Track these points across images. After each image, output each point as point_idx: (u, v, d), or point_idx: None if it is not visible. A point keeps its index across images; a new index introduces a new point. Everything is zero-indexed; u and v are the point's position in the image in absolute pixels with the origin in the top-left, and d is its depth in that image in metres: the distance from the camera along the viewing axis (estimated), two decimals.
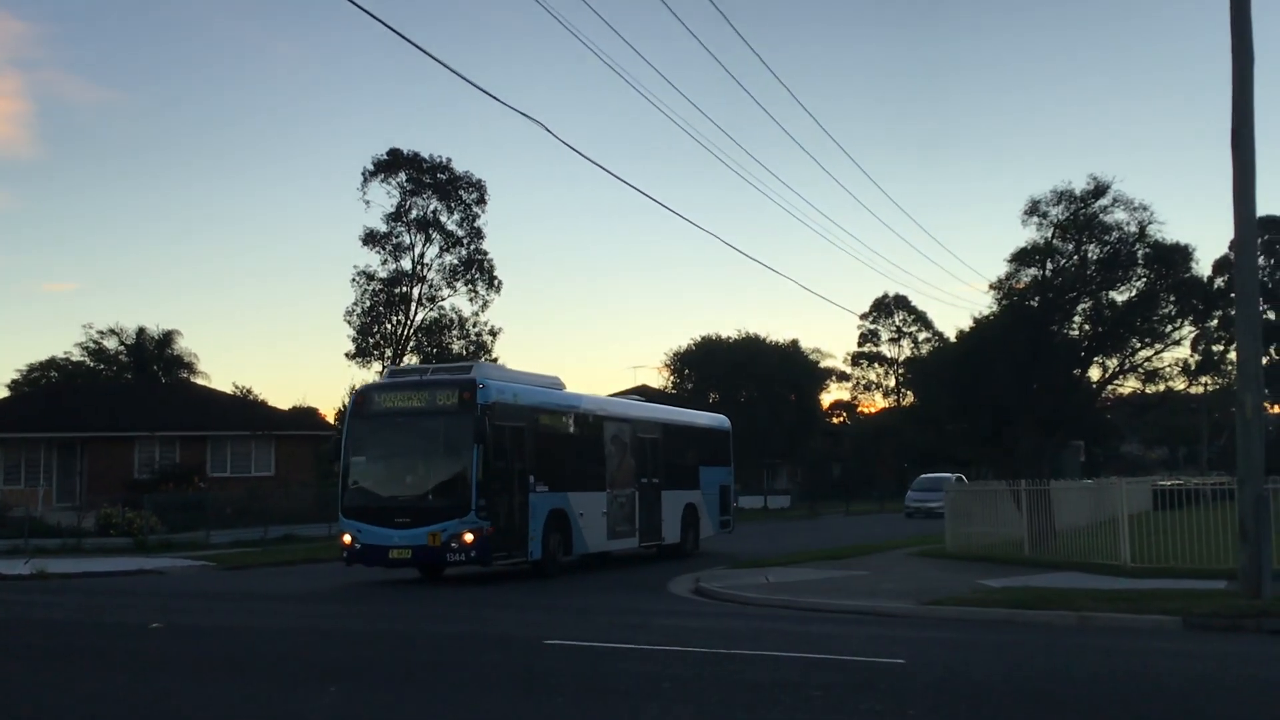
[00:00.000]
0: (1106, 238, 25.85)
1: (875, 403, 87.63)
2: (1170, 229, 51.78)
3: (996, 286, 27.23)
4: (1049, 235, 26.15)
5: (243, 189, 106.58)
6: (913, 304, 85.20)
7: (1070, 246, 26.37)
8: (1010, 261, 26.71)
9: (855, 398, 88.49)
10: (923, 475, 50.95)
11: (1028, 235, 29.03)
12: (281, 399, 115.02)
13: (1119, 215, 25.62)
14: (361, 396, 20.74)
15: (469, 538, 18.90)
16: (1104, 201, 25.56)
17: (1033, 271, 26.60)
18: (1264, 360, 20.50)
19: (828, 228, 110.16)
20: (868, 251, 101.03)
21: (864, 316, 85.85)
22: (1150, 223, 25.38)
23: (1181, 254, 25.32)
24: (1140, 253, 25.74)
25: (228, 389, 66.46)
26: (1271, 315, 70.52)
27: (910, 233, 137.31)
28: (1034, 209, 26.02)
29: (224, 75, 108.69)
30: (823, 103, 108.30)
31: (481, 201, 59.21)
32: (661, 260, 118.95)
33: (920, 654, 10.92)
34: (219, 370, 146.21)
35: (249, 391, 70.57)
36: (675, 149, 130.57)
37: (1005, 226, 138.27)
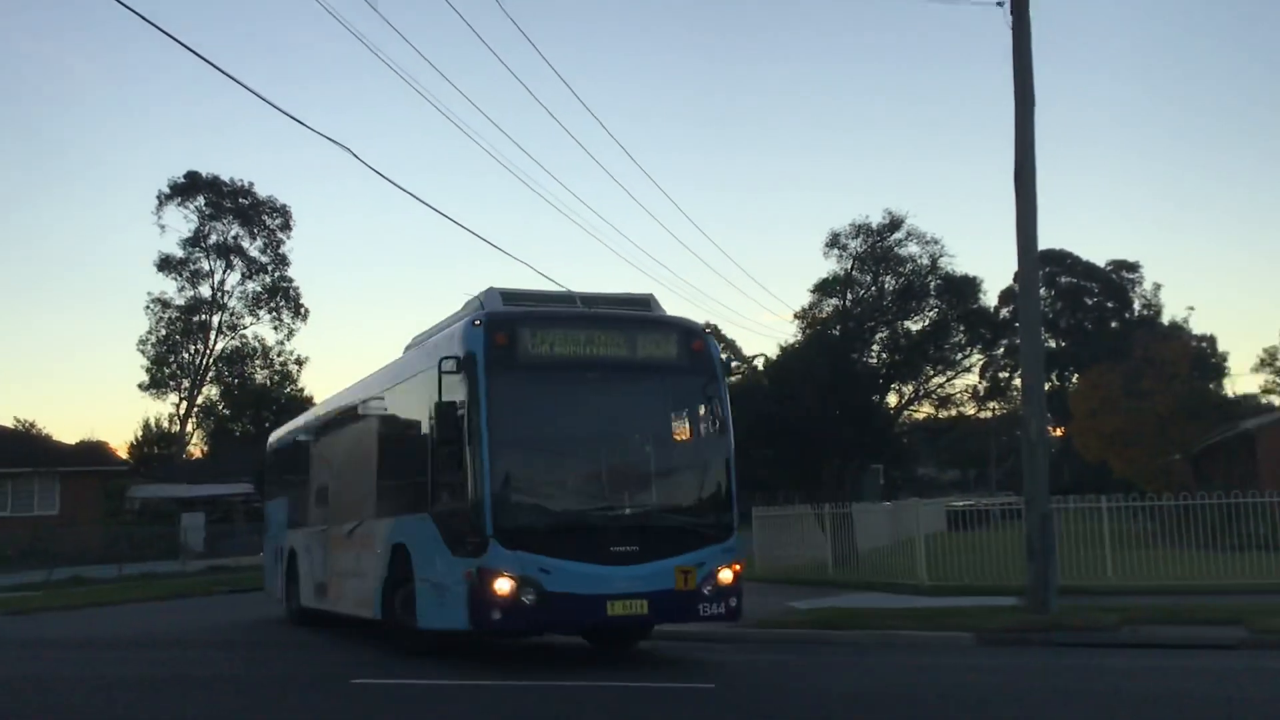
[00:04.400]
0: (901, 269, 27.06)
1: None
2: (960, 262, 54.59)
3: (801, 316, 28.16)
4: (849, 267, 27.20)
5: (26, 210, 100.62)
6: (723, 333, 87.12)
7: (868, 278, 27.51)
8: (813, 292, 27.68)
9: None
10: None
11: (829, 266, 30.11)
12: (68, 433, 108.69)
13: (913, 248, 26.89)
14: (504, 333, 11.72)
15: (727, 576, 11.87)
16: (899, 235, 26.79)
17: (834, 301, 27.64)
18: (1046, 386, 21.75)
19: (638, 256, 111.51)
20: (677, 280, 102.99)
21: None
22: (941, 255, 26.76)
23: (970, 286, 26.74)
24: (933, 284, 27.05)
25: (8, 422, 62.43)
26: (1052, 344, 74.77)
27: (719, 263, 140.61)
28: (834, 241, 27.05)
29: (13, 90, 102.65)
30: (636, 135, 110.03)
31: (287, 227, 57.77)
32: (475, 285, 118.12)
33: (730, 678, 11.05)
34: None
35: (31, 425, 66.53)
36: (488, 174, 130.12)
37: (810, 257, 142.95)
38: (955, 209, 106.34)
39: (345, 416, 16.51)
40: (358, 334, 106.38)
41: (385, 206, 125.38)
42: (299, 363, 61.91)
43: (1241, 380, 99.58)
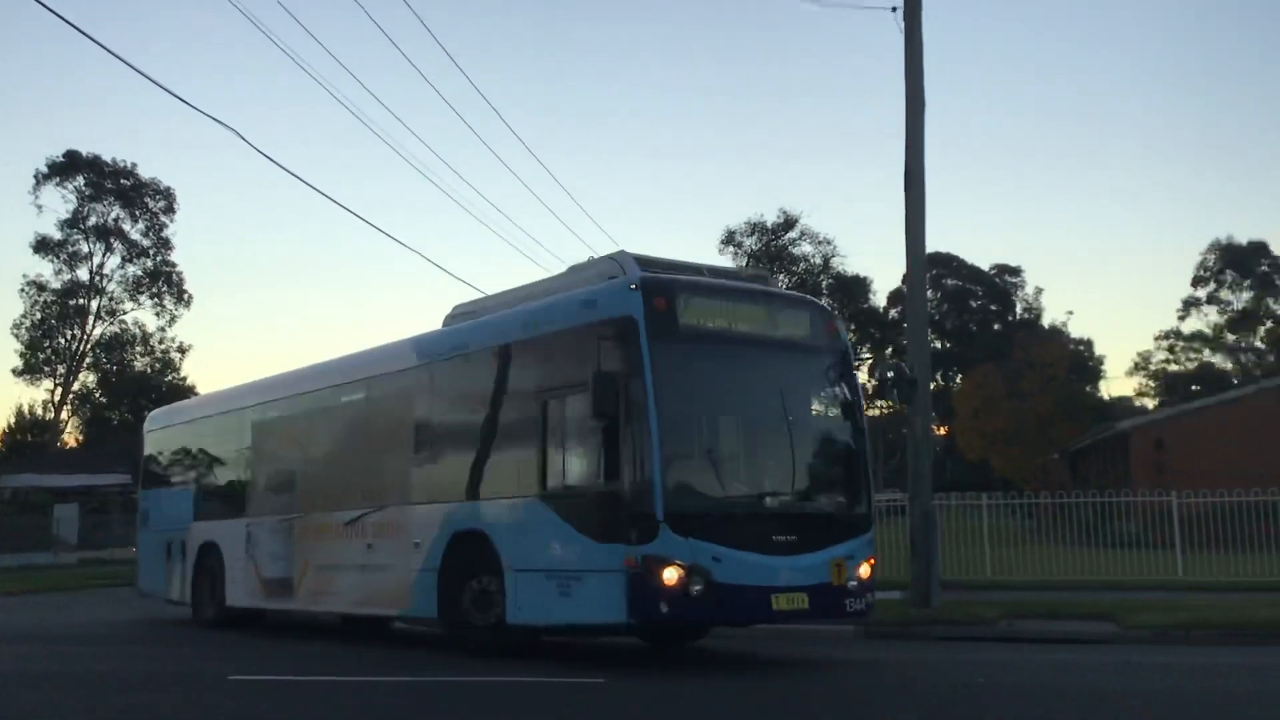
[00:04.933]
0: (795, 268, 27.45)
1: None
2: (851, 262, 55.71)
3: None
4: (743, 264, 27.48)
5: None
6: None
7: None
8: None
9: None
10: None
11: (725, 264, 30.42)
12: None
13: (806, 247, 27.33)
14: (664, 298, 10.61)
15: (867, 571, 11.36)
16: (793, 234, 27.16)
17: None
18: (931, 385, 22.23)
19: (537, 251, 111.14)
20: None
21: None
22: (834, 255, 27.22)
23: (861, 286, 27.24)
24: (824, 283, 27.48)
25: None
26: (938, 345, 76.61)
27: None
28: (730, 239, 27.32)
29: None
30: (532, 131, 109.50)
31: (170, 210, 56.21)
32: (369, 273, 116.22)
33: (622, 672, 11.04)
34: None
35: None
36: (386, 162, 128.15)
37: (707, 254, 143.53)
38: (848, 210, 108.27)
39: (346, 392, 14.80)
40: (244, 322, 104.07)
41: (275, 192, 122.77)
42: (181, 350, 60.38)
43: (1117, 383, 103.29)
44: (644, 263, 11.39)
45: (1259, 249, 64.56)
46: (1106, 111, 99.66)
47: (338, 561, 14.19)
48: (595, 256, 12.43)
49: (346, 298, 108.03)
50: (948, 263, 77.31)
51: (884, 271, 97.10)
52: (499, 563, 11.37)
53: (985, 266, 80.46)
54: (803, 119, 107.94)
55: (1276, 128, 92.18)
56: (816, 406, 11.84)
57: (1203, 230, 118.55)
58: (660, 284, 10.77)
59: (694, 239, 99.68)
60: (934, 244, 71.53)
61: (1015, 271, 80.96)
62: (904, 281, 16.25)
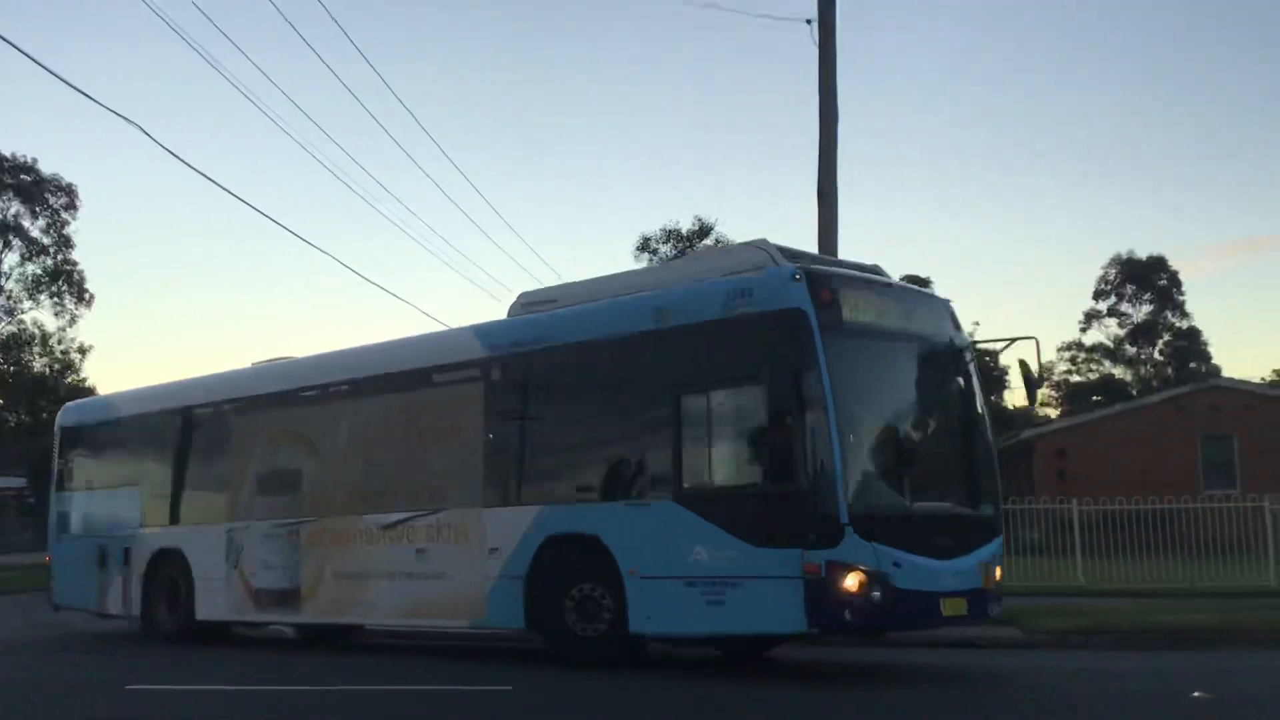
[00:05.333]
0: None
1: None
2: None
3: None
4: None
5: None
6: None
7: None
8: None
9: None
10: None
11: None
12: None
13: None
14: (829, 291, 10.18)
15: (1000, 574, 11.17)
16: (708, 241, 27.25)
17: None
18: None
19: (451, 255, 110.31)
20: (493, 281, 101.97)
21: None
22: None
23: None
24: None
25: None
26: None
27: (531, 262, 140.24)
28: (645, 245, 27.32)
29: None
30: (447, 134, 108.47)
31: (72, 207, 54.58)
32: (277, 276, 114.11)
33: (528, 680, 10.97)
34: None
35: None
36: (298, 163, 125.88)
37: (621, 260, 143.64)
38: (765, 220, 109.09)
39: (380, 386, 13.55)
40: (148, 324, 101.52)
41: (183, 192, 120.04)
42: (81, 351, 58.62)
43: (1020, 393, 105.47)
44: (789, 254, 10.84)
45: (1158, 263, 66.39)
46: (1014, 127, 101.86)
47: (369, 569, 13.08)
48: (726, 243, 11.78)
49: (258, 302, 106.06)
50: None
51: None
52: (613, 569, 10.66)
53: (897, 278, 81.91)
54: (721, 127, 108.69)
55: (1174, 145, 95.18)
56: (956, 403, 11.54)
57: (1104, 245, 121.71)
58: (823, 276, 10.31)
59: (609, 246, 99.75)
60: (848, 254, 72.38)
61: (924, 283, 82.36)
62: None
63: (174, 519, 15.94)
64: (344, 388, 14.24)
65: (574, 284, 12.99)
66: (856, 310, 10.38)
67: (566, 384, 11.90)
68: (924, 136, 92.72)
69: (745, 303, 10.25)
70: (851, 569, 9.50)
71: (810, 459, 9.65)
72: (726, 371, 10.30)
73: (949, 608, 10.21)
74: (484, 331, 12.83)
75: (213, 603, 14.91)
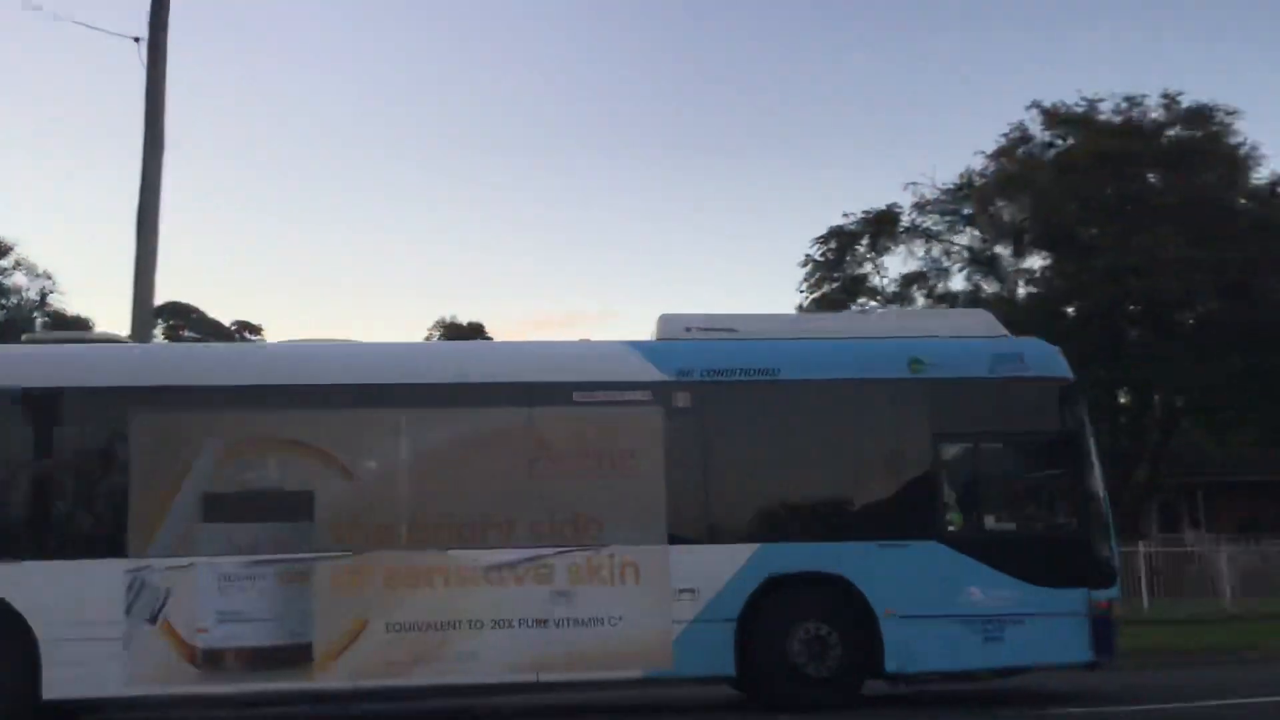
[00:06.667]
0: (4, 301, 24.93)
1: None
2: (73, 301, 51.67)
3: None
4: None
5: None
6: None
7: None
8: None
9: None
10: None
11: None
12: None
13: (20, 279, 24.92)
14: (1068, 364, 12.46)
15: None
16: (4, 263, 24.66)
17: None
18: None
19: None
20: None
21: None
22: (53, 291, 25.09)
23: (82, 327, 25.33)
24: (40, 320, 25.27)
25: None
26: None
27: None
28: None
29: None
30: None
31: None
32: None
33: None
34: None
35: None
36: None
37: None
38: (77, 245, 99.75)
39: (472, 400, 11.44)
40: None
41: None
42: None
43: None
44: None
45: (477, 329, 71.09)
46: (353, 182, 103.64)
47: (460, 617, 10.96)
48: (943, 308, 12.03)
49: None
50: (187, 313, 74.73)
51: (113, 314, 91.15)
52: (856, 609, 11.05)
53: (227, 321, 79.35)
54: (32, 138, 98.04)
55: (488, 219, 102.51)
56: None
57: (431, 310, 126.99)
58: (1061, 352, 12.18)
59: None
60: (172, 292, 69.28)
61: (257, 329, 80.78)
62: (131, 328, 15.36)
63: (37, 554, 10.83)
64: (402, 394, 11.53)
65: (749, 316, 12.54)
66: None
67: (790, 419, 11.64)
68: (264, 174, 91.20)
69: (1015, 367, 11.70)
70: (1117, 606, 11.52)
71: (1087, 510, 11.48)
72: (995, 425, 11.65)
73: None
74: (656, 351, 11.80)
75: (86, 674, 10.57)
